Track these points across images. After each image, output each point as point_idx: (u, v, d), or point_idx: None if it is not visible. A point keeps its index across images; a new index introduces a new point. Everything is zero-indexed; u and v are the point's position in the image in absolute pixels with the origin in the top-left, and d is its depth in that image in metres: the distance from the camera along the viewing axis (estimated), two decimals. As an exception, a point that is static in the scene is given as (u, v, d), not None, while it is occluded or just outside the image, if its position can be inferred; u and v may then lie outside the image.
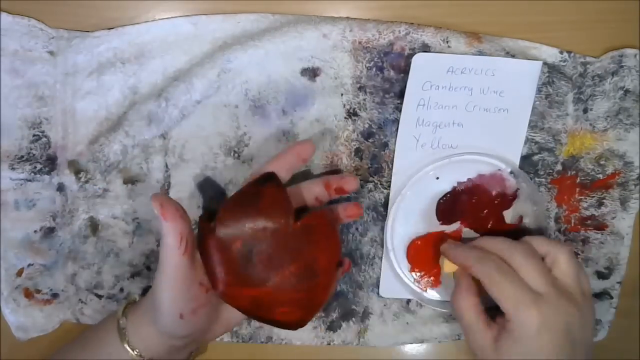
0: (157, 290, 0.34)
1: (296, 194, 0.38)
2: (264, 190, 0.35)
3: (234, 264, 0.34)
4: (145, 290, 0.44)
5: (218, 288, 0.35)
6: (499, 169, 0.43)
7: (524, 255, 0.36)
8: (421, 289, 0.44)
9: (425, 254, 0.44)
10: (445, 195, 0.43)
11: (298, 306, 0.36)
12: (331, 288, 0.37)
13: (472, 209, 0.43)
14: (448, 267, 0.41)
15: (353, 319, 0.45)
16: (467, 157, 0.42)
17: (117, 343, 0.36)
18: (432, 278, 0.44)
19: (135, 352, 0.36)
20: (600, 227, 0.45)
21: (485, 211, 0.44)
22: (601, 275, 0.45)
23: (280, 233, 0.34)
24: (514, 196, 0.44)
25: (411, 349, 0.47)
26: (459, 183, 0.43)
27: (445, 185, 0.43)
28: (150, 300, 0.36)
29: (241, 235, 0.34)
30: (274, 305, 0.35)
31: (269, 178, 0.35)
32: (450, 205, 0.43)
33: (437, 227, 0.44)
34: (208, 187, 0.43)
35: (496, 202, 0.44)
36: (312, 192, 0.39)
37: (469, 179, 0.43)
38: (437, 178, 0.43)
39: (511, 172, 0.43)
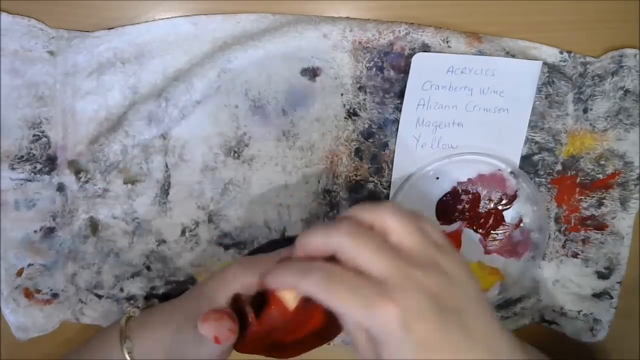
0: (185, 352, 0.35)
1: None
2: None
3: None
4: (145, 291, 0.44)
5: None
6: (499, 169, 0.43)
7: (348, 238, 0.28)
8: None
9: None
10: (445, 195, 0.43)
11: None
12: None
13: (472, 209, 0.44)
14: (290, 299, 0.31)
15: (353, 319, 0.45)
16: (468, 157, 0.42)
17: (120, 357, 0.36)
18: None
19: None
20: (600, 227, 0.45)
21: (485, 211, 0.44)
22: (601, 275, 0.45)
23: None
24: (514, 196, 0.44)
25: (411, 349, 0.47)
26: (459, 183, 0.43)
27: (445, 185, 0.43)
28: (168, 333, 0.36)
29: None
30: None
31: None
32: (450, 205, 0.43)
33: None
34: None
35: (496, 202, 0.44)
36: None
37: (469, 179, 0.43)
38: (437, 178, 0.43)
39: (511, 172, 0.43)
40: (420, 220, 0.29)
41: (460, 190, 0.43)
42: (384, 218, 0.28)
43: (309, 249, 0.30)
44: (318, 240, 0.29)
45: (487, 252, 0.44)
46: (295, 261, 0.30)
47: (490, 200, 0.44)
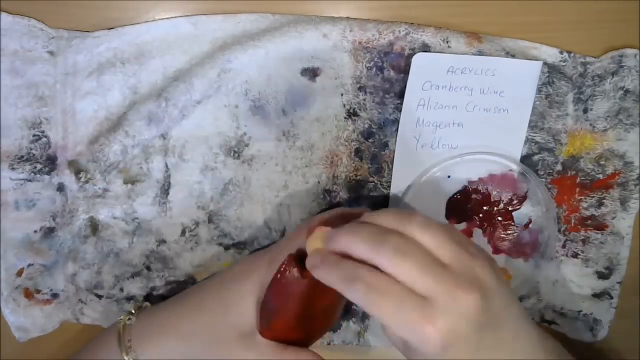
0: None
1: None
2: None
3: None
4: (145, 291, 0.44)
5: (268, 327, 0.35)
6: (510, 169, 0.43)
7: (396, 254, 0.28)
8: None
9: None
10: (455, 194, 0.43)
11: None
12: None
13: (482, 209, 0.43)
14: None
15: (353, 319, 0.45)
16: (479, 157, 0.42)
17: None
18: None
19: None
20: (600, 227, 0.45)
21: (494, 211, 0.44)
22: (601, 275, 0.45)
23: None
24: (524, 197, 0.44)
25: (411, 349, 0.47)
26: (469, 182, 0.43)
27: (456, 184, 0.43)
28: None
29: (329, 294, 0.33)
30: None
31: None
32: (461, 204, 0.43)
33: None
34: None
35: (506, 202, 0.44)
36: None
37: (480, 179, 0.43)
38: (449, 177, 0.43)
39: (522, 173, 0.43)
40: (453, 233, 0.30)
41: (470, 190, 0.43)
42: (416, 231, 0.29)
43: (351, 253, 0.30)
44: (361, 251, 0.29)
45: (495, 252, 0.44)
46: (339, 261, 0.30)
47: (500, 200, 0.44)
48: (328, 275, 0.30)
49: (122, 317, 0.39)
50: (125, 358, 0.36)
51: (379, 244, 0.29)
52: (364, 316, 0.45)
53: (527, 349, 0.31)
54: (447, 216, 0.44)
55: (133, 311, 0.39)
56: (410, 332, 0.27)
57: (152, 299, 0.44)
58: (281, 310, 0.34)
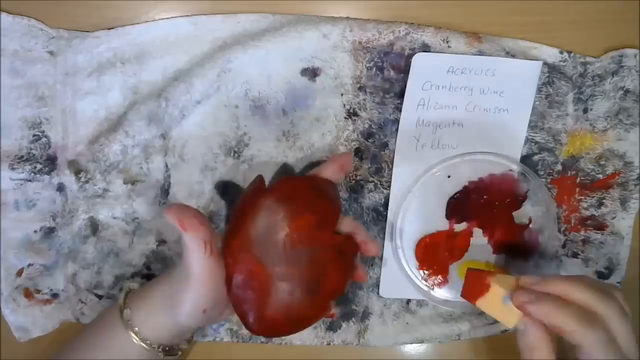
0: (180, 290, 0.35)
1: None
2: (326, 190, 0.37)
3: (260, 232, 0.35)
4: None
5: (229, 246, 0.35)
6: (511, 170, 0.43)
7: (622, 319, 0.31)
8: (428, 287, 0.44)
9: (433, 252, 0.44)
10: (456, 194, 0.43)
11: (282, 313, 0.36)
12: (320, 314, 0.38)
13: (482, 209, 0.43)
14: (511, 318, 0.33)
15: (353, 319, 0.45)
16: (479, 157, 0.42)
17: (123, 334, 0.36)
18: (440, 277, 0.44)
19: (145, 342, 0.36)
20: (600, 227, 0.45)
21: (494, 211, 0.44)
22: (601, 275, 0.45)
23: (318, 239, 0.36)
24: (524, 197, 0.44)
25: (411, 349, 0.47)
26: (470, 182, 0.43)
27: (457, 184, 0.43)
28: (160, 293, 0.36)
29: (287, 210, 0.35)
30: (263, 298, 0.35)
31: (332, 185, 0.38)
32: (461, 204, 0.43)
33: (445, 225, 0.44)
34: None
35: (506, 202, 0.44)
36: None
37: (480, 179, 0.43)
38: (449, 177, 0.43)
39: (522, 174, 0.43)
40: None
41: (471, 190, 0.43)
42: (610, 315, 0.31)
43: (580, 299, 0.32)
44: (594, 302, 0.32)
45: (495, 252, 0.44)
46: (565, 305, 0.32)
47: (500, 200, 0.44)
48: (559, 310, 0.31)
49: (127, 284, 0.39)
50: (123, 319, 0.36)
51: (606, 297, 0.32)
52: (364, 316, 0.45)
53: None
54: (448, 216, 0.44)
55: (136, 286, 0.39)
56: None
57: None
58: (238, 227, 0.35)
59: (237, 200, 0.38)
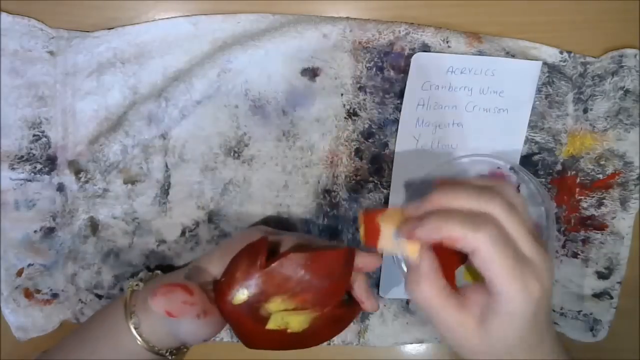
0: (179, 329, 0.35)
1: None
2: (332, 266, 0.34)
3: (250, 302, 0.34)
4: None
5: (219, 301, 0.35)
6: (499, 167, 0.43)
7: (508, 212, 0.30)
8: None
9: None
10: None
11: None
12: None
13: None
14: (412, 249, 0.31)
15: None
16: (465, 160, 0.42)
17: (130, 336, 0.36)
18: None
19: (152, 347, 0.36)
20: (600, 227, 0.45)
21: None
22: (601, 275, 0.45)
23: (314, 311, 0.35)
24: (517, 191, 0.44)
25: (411, 349, 0.47)
26: None
27: None
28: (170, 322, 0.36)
29: (278, 293, 0.34)
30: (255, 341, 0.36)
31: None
32: None
33: None
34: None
35: None
36: None
37: None
38: None
39: (511, 169, 0.43)
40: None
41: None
42: (497, 212, 0.30)
43: (458, 205, 0.30)
44: (470, 202, 0.30)
45: None
46: (450, 212, 0.30)
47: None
48: (443, 222, 0.30)
49: (131, 283, 0.38)
50: (128, 323, 0.36)
51: (488, 197, 0.30)
52: (364, 316, 0.45)
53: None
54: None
55: (142, 278, 0.39)
56: (522, 287, 0.29)
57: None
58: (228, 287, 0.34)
59: (235, 253, 0.35)
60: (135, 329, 0.36)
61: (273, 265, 0.33)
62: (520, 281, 0.29)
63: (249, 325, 0.34)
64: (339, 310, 0.36)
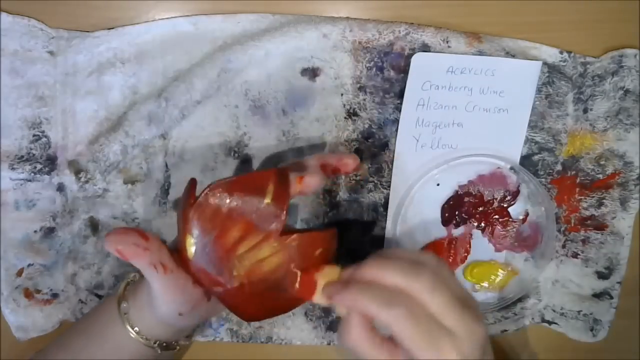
0: (152, 296, 0.34)
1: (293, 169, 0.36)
2: (263, 185, 0.33)
3: (198, 249, 0.33)
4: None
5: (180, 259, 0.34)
6: (498, 167, 0.43)
7: (432, 283, 0.31)
8: None
9: None
10: (448, 200, 0.43)
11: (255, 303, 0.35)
12: (298, 304, 0.36)
13: (477, 210, 0.44)
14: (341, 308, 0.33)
15: (353, 319, 0.45)
16: (465, 160, 0.42)
17: (119, 327, 0.36)
18: None
19: (141, 337, 0.36)
20: (600, 227, 0.45)
21: (489, 210, 0.44)
22: (601, 275, 0.45)
23: (261, 246, 0.33)
24: (517, 192, 0.44)
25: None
26: (460, 186, 0.43)
27: (447, 190, 0.43)
28: (146, 291, 0.35)
29: (214, 228, 0.33)
30: (235, 303, 0.35)
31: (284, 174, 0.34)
32: (455, 209, 0.43)
33: (443, 232, 0.44)
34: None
35: (500, 199, 0.44)
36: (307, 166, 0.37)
37: (469, 181, 0.43)
38: (438, 185, 0.43)
39: (511, 168, 0.43)
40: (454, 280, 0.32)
41: (462, 193, 0.43)
42: (418, 290, 0.31)
43: (383, 280, 0.31)
44: (397, 278, 0.31)
45: (497, 249, 0.44)
46: (371, 285, 0.31)
47: (494, 198, 0.44)
48: (360, 296, 0.31)
49: (122, 283, 0.38)
50: (119, 312, 0.36)
51: (414, 274, 0.31)
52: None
53: None
54: (444, 223, 0.44)
55: (137, 276, 0.39)
56: (436, 356, 0.29)
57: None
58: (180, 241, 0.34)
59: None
60: (124, 314, 0.36)
61: (199, 199, 0.33)
62: (435, 352, 0.29)
63: (219, 282, 0.33)
64: (304, 237, 0.34)
